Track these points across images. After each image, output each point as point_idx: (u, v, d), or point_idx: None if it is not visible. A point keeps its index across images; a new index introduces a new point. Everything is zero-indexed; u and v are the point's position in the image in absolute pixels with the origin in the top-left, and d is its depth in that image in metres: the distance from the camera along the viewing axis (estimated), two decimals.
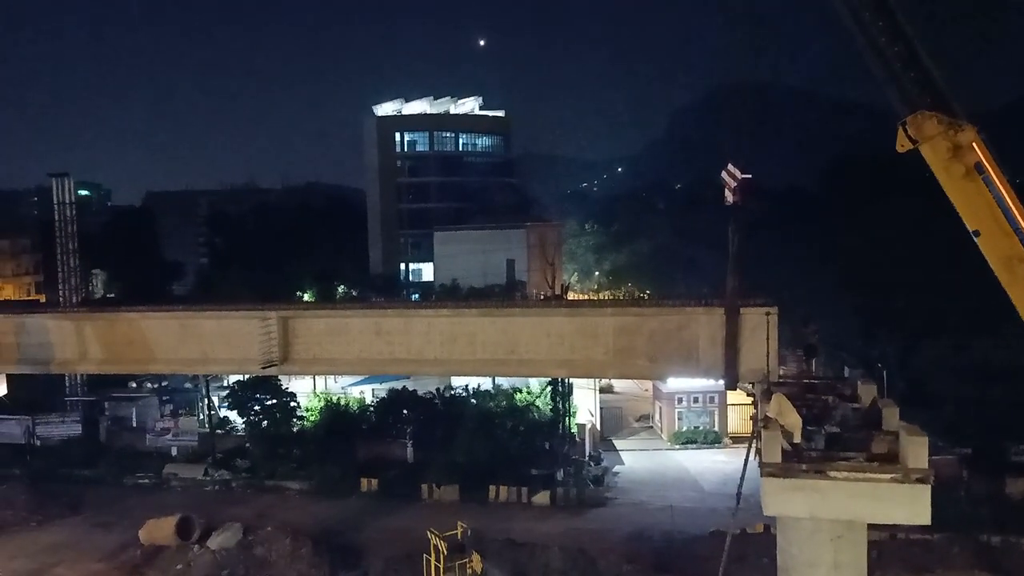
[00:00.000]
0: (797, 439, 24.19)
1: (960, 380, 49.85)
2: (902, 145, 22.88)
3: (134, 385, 75.08)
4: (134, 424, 69.54)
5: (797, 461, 23.37)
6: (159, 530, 46.10)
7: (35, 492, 54.63)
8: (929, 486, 22.20)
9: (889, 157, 24.05)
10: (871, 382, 28.33)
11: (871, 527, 24.75)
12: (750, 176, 28.75)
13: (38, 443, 66.07)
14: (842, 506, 22.93)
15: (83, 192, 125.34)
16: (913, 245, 54.45)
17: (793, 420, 24.48)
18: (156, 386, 74.14)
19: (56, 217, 72.73)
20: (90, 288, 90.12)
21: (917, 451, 22.34)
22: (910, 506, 22.42)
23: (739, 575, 37.02)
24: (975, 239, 22.59)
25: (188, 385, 74.91)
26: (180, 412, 71.30)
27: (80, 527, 50.87)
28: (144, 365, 42.78)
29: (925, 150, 22.65)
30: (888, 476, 22.52)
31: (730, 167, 28.98)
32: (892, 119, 23.21)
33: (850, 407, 26.73)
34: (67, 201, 72.62)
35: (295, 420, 64.10)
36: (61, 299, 69.87)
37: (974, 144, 22.27)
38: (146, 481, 60.18)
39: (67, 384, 69.02)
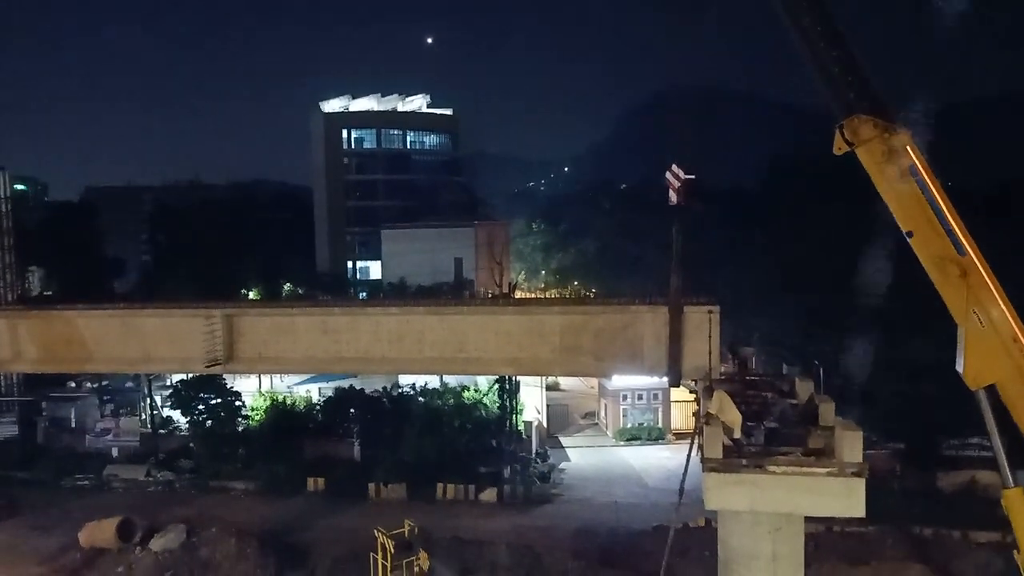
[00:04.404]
0: (737, 435, 24.68)
1: (894, 377, 51.22)
2: (839, 148, 23.44)
3: (73, 385, 73.43)
4: (73, 425, 67.99)
5: (738, 456, 23.87)
6: (99, 532, 45.21)
7: None
8: (863, 479, 22.85)
9: (829, 159, 24.57)
10: (808, 379, 29.01)
11: (808, 520, 25.41)
12: (693, 177, 29.07)
13: None
14: (780, 499, 23.50)
15: (19, 187, 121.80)
16: (850, 246, 55.74)
17: (734, 416, 24.98)
18: (96, 386, 72.52)
19: None
20: (26, 285, 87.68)
21: (852, 445, 22.97)
22: (845, 499, 23.05)
23: (682, 568, 37.73)
24: (908, 240, 23.22)
25: (129, 384, 73.39)
26: (121, 412, 69.82)
27: (17, 530, 49.66)
28: (83, 364, 41.83)
29: (861, 153, 23.22)
30: (824, 470, 23.14)
31: (674, 168, 29.28)
32: (831, 122, 23.79)
33: (788, 403, 27.35)
34: (2, 196, 70.73)
35: (240, 419, 63.36)
36: None
37: (908, 147, 22.93)
38: (86, 483, 58.93)
39: (2, 384, 67.23)
